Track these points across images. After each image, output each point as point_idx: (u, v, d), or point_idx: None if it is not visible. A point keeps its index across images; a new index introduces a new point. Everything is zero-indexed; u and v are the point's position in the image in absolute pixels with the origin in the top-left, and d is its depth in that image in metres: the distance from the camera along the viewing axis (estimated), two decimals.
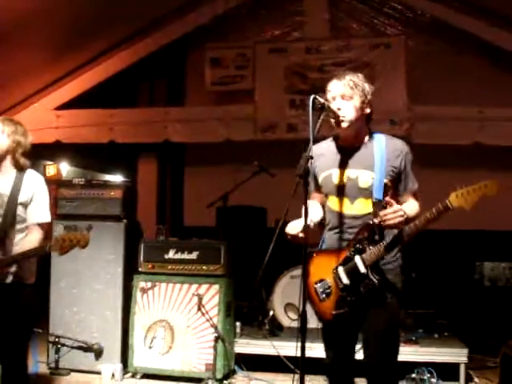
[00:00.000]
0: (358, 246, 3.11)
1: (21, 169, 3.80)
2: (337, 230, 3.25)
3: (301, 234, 3.06)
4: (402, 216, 2.95)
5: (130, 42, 7.79)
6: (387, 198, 3.05)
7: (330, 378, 3.33)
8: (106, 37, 7.47)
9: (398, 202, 3.10)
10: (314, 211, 3.36)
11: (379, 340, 3.12)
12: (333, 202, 3.27)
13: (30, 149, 3.87)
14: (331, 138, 3.38)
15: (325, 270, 3.20)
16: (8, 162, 3.78)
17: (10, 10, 5.79)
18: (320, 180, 3.34)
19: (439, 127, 6.91)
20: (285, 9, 7.97)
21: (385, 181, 3.12)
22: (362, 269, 3.05)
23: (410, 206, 3.15)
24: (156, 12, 7.43)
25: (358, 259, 3.08)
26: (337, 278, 3.15)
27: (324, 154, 3.34)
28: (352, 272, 3.08)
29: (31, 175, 3.83)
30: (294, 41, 7.82)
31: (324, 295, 3.19)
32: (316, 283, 3.22)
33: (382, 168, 3.12)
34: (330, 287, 3.17)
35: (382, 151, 3.16)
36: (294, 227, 3.11)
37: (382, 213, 3.00)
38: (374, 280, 3.01)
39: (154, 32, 7.68)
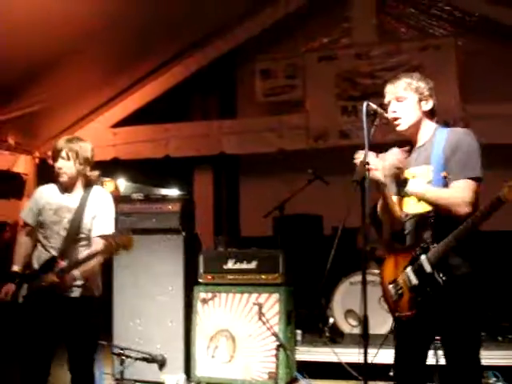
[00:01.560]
0: (423, 244, 3.07)
1: (90, 183, 3.91)
2: (408, 231, 3.24)
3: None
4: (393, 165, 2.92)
5: (180, 57, 7.90)
6: None
7: (399, 382, 3.27)
8: (156, 55, 7.61)
9: None
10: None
11: (456, 344, 3.04)
12: (404, 203, 3.27)
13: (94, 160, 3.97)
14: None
15: (397, 271, 3.20)
16: (80, 181, 3.89)
17: (63, 32, 5.96)
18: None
19: (494, 126, 6.77)
20: (332, 16, 8.00)
21: (443, 174, 3.03)
22: (428, 268, 2.99)
23: (432, 188, 3.02)
24: (206, 28, 7.54)
25: (423, 258, 3.03)
26: (406, 278, 3.12)
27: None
28: (419, 272, 3.04)
29: (98, 191, 3.93)
30: (343, 48, 7.82)
31: (397, 296, 3.18)
32: (390, 284, 3.23)
33: (440, 160, 3.05)
34: (401, 288, 3.15)
35: (441, 143, 3.08)
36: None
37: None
38: (439, 280, 2.95)
39: (205, 47, 7.78)
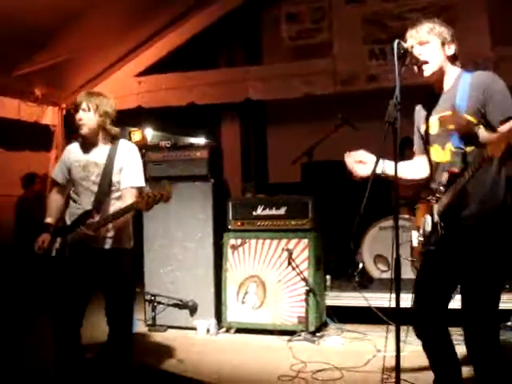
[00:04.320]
0: (437, 195, 3.08)
1: (114, 138, 3.91)
2: (435, 180, 3.19)
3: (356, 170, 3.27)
4: (464, 122, 2.81)
5: (203, 4, 7.77)
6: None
7: (416, 325, 3.26)
8: (179, 2, 7.50)
9: None
10: (403, 167, 3.34)
11: (474, 289, 3.03)
12: (431, 153, 3.23)
13: (116, 115, 3.96)
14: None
15: (422, 217, 3.23)
16: (101, 134, 3.89)
17: None
18: (422, 133, 3.30)
19: None
20: None
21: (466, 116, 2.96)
22: (435, 218, 3.04)
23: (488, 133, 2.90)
24: None
25: (435, 208, 3.07)
26: (423, 225, 3.17)
27: (422, 107, 3.31)
28: (432, 221, 3.09)
29: (124, 144, 3.93)
30: None
31: (417, 241, 3.23)
32: (414, 230, 3.27)
33: (463, 104, 2.99)
34: (421, 234, 3.20)
35: (465, 88, 3.03)
36: (355, 157, 3.27)
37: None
38: (440, 230, 3.00)
39: None
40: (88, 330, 3.98)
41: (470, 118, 2.95)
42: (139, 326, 5.88)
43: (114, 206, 3.83)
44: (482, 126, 2.89)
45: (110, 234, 3.79)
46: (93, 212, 3.75)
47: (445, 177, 3.02)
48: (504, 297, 5.11)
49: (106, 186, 3.82)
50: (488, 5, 6.97)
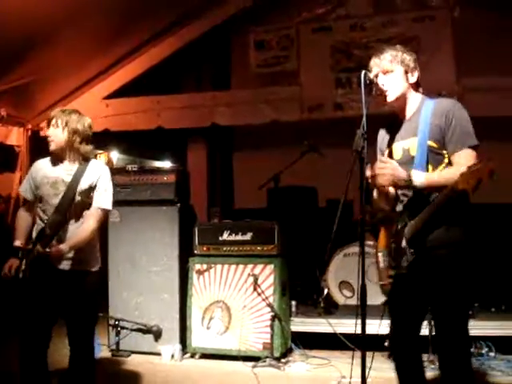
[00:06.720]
0: (405, 218, 3.12)
1: (84, 157, 3.87)
2: (400, 203, 3.25)
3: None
4: (392, 174, 2.96)
5: (173, 28, 7.80)
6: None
7: (393, 352, 3.31)
8: (149, 26, 7.52)
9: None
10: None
11: (441, 315, 3.09)
12: None
13: (90, 134, 3.91)
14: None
15: (388, 240, 3.26)
16: (69, 152, 3.84)
17: (55, 4, 5.88)
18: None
19: (489, 99, 6.72)
20: None
21: (428, 143, 3.04)
22: (403, 243, 3.08)
23: (435, 174, 3.00)
24: None
25: (403, 232, 3.10)
26: (389, 249, 3.21)
27: (386, 132, 3.38)
28: (399, 246, 3.12)
29: (95, 165, 3.89)
30: (337, 19, 7.72)
31: (383, 264, 3.26)
32: (379, 252, 3.30)
33: (426, 130, 3.06)
34: (387, 256, 3.23)
35: (428, 114, 3.10)
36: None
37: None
38: (409, 255, 3.04)
39: (198, 17, 7.68)
40: (51, 354, 3.90)
41: (431, 143, 3.04)
42: (102, 351, 5.80)
43: (74, 226, 3.79)
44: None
45: (69, 255, 3.71)
46: (45, 228, 3.70)
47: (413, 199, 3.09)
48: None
49: (65, 205, 3.76)
50: (453, 36, 7.11)
